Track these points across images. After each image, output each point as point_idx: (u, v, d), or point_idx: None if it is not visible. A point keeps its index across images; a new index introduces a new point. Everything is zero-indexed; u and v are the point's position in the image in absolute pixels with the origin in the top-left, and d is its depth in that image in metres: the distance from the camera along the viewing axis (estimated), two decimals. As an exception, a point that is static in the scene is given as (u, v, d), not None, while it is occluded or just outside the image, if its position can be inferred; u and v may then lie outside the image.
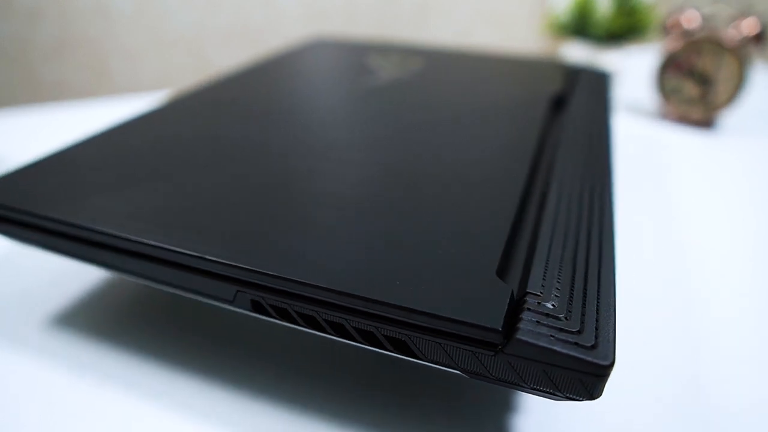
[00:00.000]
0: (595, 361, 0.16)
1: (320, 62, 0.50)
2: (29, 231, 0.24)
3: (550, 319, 0.17)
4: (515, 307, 0.18)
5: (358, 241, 0.21)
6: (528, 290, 0.18)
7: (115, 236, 0.22)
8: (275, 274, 0.19)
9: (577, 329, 0.17)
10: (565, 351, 0.16)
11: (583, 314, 0.18)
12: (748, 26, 0.55)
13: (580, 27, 0.70)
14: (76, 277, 0.32)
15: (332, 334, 0.20)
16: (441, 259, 0.20)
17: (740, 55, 0.54)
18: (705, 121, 0.58)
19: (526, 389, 0.18)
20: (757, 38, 0.55)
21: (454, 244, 0.21)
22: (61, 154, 0.29)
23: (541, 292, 0.18)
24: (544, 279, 0.19)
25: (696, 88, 0.57)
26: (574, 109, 0.37)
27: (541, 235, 0.22)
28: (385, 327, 0.18)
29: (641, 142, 0.53)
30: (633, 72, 0.74)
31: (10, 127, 0.57)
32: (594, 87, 0.43)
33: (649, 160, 0.49)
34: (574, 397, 0.17)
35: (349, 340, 0.19)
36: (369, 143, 0.31)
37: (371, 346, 0.19)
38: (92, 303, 0.30)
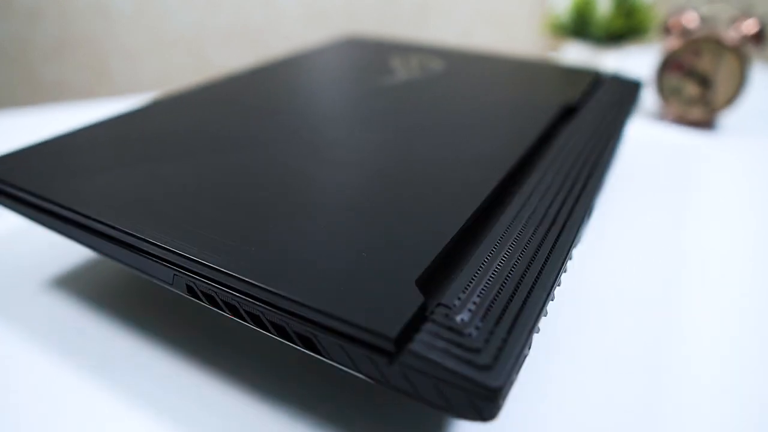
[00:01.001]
0: (484, 381, 0.15)
1: (341, 60, 0.50)
2: (13, 202, 0.27)
3: (453, 333, 0.17)
4: (422, 318, 0.18)
5: (290, 237, 0.21)
6: (441, 302, 0.18)
7: (78, 213, 0.24)
8: (202, 261, 0.20)
9: (477, 347, 0.16)
10: (453, 367, 0.16)
11: (491, 333, 0.17)
12: (748, 26, 0.55)
13: (580, 27, 0.70)
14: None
15: (252, 325, 0.20)
16: (365, 263, 0.20)
17: (740, 55, 0.54)
18: (705, 122, 0.58)
19: (423, 402, 0.17)
20: (757, 38, 0.55)
21: (386, 250, 0.20)
22: (62, 138, 0.31)
23: (454, 305, 0.18)
24: (463, 292, 0.18)
25: (696, 88, 0.57)
26: (583, 119, 0.37)
27: (481, 247, 0.21)
28: (294, 322, 0.18)
29: (641, 143, 0.53)
30: (633, 72, 0.74)
31: (10, 127, 0.57)
32: (617, 96, 0.42)
33: (649, 160, 0.49)
34: (467, 417, 0.16)
35: (265, 331, 0.20)
36: (355, 144, 0.31)
37: (285, 340, 0.19)
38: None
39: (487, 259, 0.20)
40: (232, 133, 0.32)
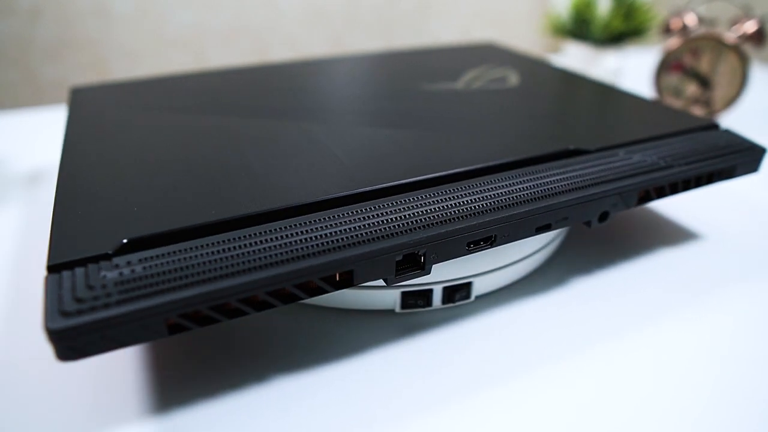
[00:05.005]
0: (49, 321, 0.18)
1: (433, 61, 0.50)
2: None
3: (86, 277, 0.20)
4: (93, 259, 0.21)
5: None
6: (113, 257, 0.21)
7: None
8: None
9: (81, 297, 0.19)
10: (52, 298, 0.19)
11: (107, 296, 0.19)
12: (748, 26, 0.55)
13: (580, 27, 0.70)
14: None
15: None
16: (135, 213, 0.24)
17: (740, 55, 0.54)
18: (705, 122, 0.58)
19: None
20: (757, 38, 0.55)
21: (142, 212, 0.24)
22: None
23: (117, 264, 0.20)
24: (138, 262, 0.21)
25: (696, 88, 0.57)
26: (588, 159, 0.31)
27: (206, 239, 0.22)
28: None
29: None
30: (633, 72, 0.74)
31: (10, 127, 0.57)
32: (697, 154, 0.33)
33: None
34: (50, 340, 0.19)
35: None
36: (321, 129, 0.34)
37: None
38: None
39: (189, 249, 0.22)
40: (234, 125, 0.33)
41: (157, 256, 0.21)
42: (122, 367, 0.27)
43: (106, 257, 0.21)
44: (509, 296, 0.32)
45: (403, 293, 0.29)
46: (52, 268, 0.21)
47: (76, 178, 0.28)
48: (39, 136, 0.55)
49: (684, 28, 0.57)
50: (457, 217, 0.25)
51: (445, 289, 0.30)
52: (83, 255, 0.21)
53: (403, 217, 0.24)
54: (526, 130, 0.35)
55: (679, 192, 0.32)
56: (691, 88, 0.57)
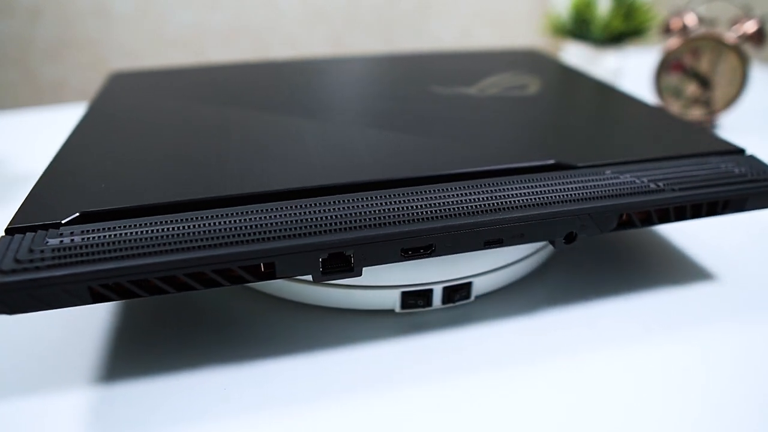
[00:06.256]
0: None
1: (460, 65, 0.50)
2: None
3: (30, 242, 0.22)
4: (44, 226, 0.23)
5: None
6: (62, 226, 0.23)
7: None
8: None
9: (21, 259, 0.21)
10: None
11: (40, 260, 0.21)
12: (748, 26, 0.55)
13: (580, 27, 0.70)
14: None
15: None
16: (102, 189, 0.26)
17: (740, 55, 0.54)
18: (705, 122, 0.58)
19: None
20: (757, 38, 0.55)
21: (111, 186, 0.27)
22: None
23: (61, 233, 0.22)
24: (82, 232, 0.23)
25: (696, 88, 0.57)
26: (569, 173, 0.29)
27: (160, 217, 0.24)
28: None
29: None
30: (633, 72, 0.74)
31: (10, 127, 0.57)
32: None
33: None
34: None
35: None
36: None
37: None
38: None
39: (125, 226, 0.23)
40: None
41: (96, 230, 0.23)
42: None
43: (56, 226, 0.23)
44: (509, 296, 0.32)
45: (403, 293, 0.29)
46: (9, 231, 0.23)
47: (70, 154, 0.30)
48: (39, 136, 0.55)
49: (684, 28, 0.57)
50: (389, 222, 0.25)
51: (445, 289, 0.30)
52: (39, 222, 0.23)
53: (332, 216, 0.24)
54: (517, 139, 0.33)
55: (671, 221, 0.29)
56: (691, 88, 0.57)
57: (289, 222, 0.24)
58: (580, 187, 0.28)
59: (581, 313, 0.30)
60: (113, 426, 0.23)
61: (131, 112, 0.37)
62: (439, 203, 0.26)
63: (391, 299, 0.30)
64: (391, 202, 0.26)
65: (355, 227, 0.24)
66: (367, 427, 0.23)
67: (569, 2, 0.71)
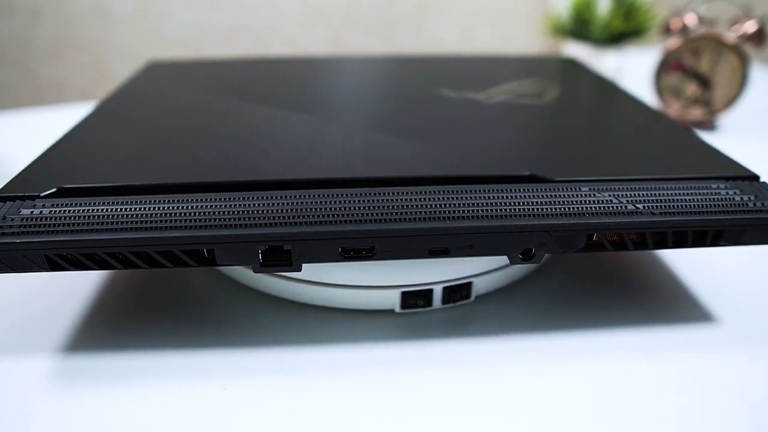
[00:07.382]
0: None
1: (480, 70, 0.49)
2: None
3: (6, 210, 0.24)
4: (22, 198, 0.25)
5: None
6: (38, 198, 0.25)
7: None
8: None
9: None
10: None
11: (7, 227, 0.23)
12: (748, 26, 0.55)
13: (580, 27, 0.70)
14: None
15: None
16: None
17: (740, 55, 0.54)
18: (704, 122, 0.58)
19: None
20: (757, 38, 0.55)
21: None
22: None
23: (34, 204, 0.24)
24: (53, 205, 0.24)
25: (696, 88, 0.57)
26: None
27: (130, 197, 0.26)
28: None
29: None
30: (633, 72, 0.74)
31: (11, 127, 0.57)
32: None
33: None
34: None
35: None
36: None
37: None
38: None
39: (89, 203, 0.25)
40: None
41: (64, 204, 0.24)
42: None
43: (34, 198, 0.25)
44: (509, 296, 0.32)
45: (403, 293, 0.29)
46: None
47: (79, 133, 0.33)
48: (39, 136, 0.55)
49: (684, 28, 0.57)
50: (329, 221, 0.25)
51: (445, 289, 0.30)
52: (22, 193, 0.25)
53: (275, 210, 0.25)
54: (503, 148, 0.32)
55: (649, 248, 0.27)
56: (691, 88, 0.57)
57: (233, 212, 0.25)
58: (545, 201, 0.26)
59: (581, 314, 0.30)
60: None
61: (145, 99, 0.40)
62: (385, 206, 0.25)
63: (391, 299, 0.30)
64: (335, 201, 0.25)
65: (294, 222, 0.24)
66: (367, 426, 0.23)
67: (569, 2, 0.71)
